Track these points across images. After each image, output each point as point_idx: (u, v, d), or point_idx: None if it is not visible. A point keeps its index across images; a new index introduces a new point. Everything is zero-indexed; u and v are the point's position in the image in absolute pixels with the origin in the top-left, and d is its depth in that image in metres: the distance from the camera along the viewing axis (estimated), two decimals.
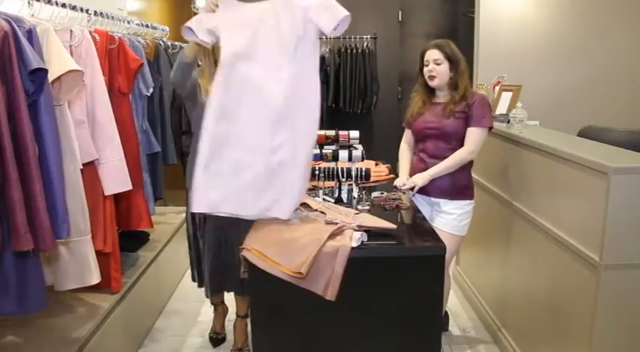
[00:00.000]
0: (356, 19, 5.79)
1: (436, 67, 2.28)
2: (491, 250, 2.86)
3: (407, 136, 2.56)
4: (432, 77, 2.30)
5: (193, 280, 2.66)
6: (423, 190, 2.39)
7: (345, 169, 2.09)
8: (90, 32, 2.15)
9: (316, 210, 1.86)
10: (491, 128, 2.34)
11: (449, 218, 2.37)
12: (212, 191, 1.74)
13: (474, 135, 2.28)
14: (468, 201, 2.38)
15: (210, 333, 2.79)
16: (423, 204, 2.42)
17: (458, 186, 2.34)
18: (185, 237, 2.65)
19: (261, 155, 1.71)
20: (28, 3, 2.02)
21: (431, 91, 2.39)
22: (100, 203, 2.23)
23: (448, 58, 2.26)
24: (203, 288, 2.58)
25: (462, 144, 2.31)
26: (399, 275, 1.70)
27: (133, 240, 2.94)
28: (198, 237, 2.50)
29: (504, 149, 2.62)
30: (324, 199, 2.09)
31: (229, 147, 1.73)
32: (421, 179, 2.29)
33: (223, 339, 2.76)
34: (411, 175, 2.47)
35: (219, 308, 2.76)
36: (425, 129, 2.37)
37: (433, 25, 5.55)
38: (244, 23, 1.75)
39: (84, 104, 2.09)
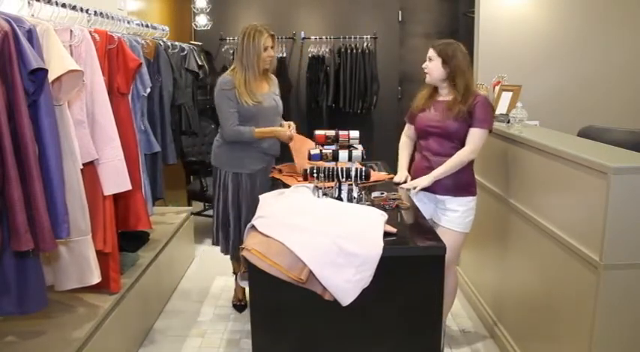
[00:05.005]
0: (356, 19, 5.78)
1: (428, 63, 2.36)
2: (492, 250, 2.86)
3: (408, 130, 2.61)
4: (425, 73, 2.39)
5: (216, 243, 2.93)
6: (428, 188, 2.41)
7: (345, 169, 2.09)
8: (90, 32, 2.15)
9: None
10: (490, 130, 2.37)
11: (454, 215, 2.38)
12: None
13: (475, 136, 2.30)
14: (471, 198, 2.40)
15: (233, 301, 3.16)
16: (426, 202, 2.44)
17: (461, 183, 2.36)
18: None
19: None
20: (28, 3, 2.02)
21: (436, 88, 2.43)
22: (100, 203, 2.22)
23: (440, 55, 2.31)
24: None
25: (463, 142, 2.33)
26: (399, 275, 1.70)
27: (133, 240, 2.93)
28: (229, 210, 2.82)
29: (504, 149, 2.62)
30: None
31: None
32: (425, 181, 2.33)
33: (245, 306, 3.08)
34: (412, 173, 2.49)
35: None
36: (428, 128, 2.40)
37: (433, 25, 5.55)
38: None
39: (84, 104, 2.09)
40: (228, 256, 2.99)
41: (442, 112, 2.34)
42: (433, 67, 2.34)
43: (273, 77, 2.90)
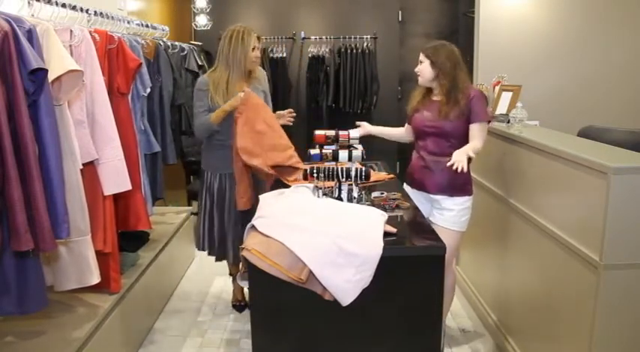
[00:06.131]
0: (356, 19, 5.77)
1: (419, 66, 2.41)
2: (492, 250, 2.86)
3: (406, 128, 2.64)
4: (418, 76, 2.44)
5: (201, 249, 2.92)
6: (423, 186, 2.43)
7: (345, 169, 2.09)
8: (90, 32, 2.15)
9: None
10: (489, 121, 2.40)
11: (448, 214, 2.39)
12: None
13: (480, 131, 2.31)
14: (467, 197, 2.40)
15: (232, 302, 3.16)
16: (423, 201, 2.45)
17: (457, 183, 2.36)
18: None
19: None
20: (28, 3, 2.02)
21: (429, 89, 2.45)
22: (100, 203, 2.22)
23: (428, 58, 2.36)
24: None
25: (461, 142, 2.32)
26: (399, 275, 1.70)
27: (133, 240, 2.93)
28: (214, 211, 2.81)
29: (504, 149, 2.62)
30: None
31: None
32: (464, 154, 2.18)
33: (245, 306, 3.09)
34: (409, 170, 2.54)
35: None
36: (424, 128, 2.41)
37: (433, 25, 5.55)
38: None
39: (84, 104, 2.09)
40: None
41: (436, 112, 2.36)
42: (423, 69, 2.38)
43: (260, 71, 2.87)
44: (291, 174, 2.52)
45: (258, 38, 2.74)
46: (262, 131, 2.50)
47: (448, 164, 2.16)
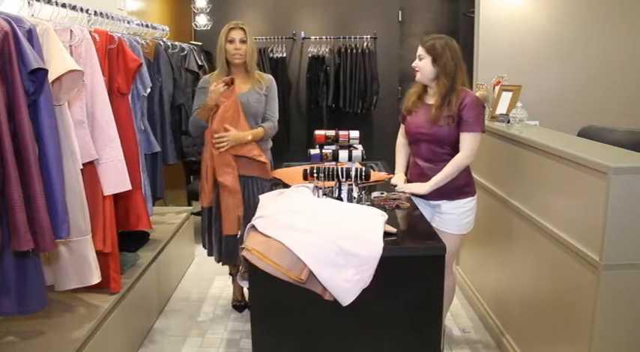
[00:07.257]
0: (356, 19, 5.76)
1: (418, 61, 2.30)
2: (492, 250, 2.86)
3: (403, 131, 2.56)
4: (415, 71, 2.32)
5: (204, 247, 2.94)
6: (422, 195, 2.38)
7: (345, 169, 2.09)
8: (90, 32, 2.15)
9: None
10: (483, 131, 2.30)
11: (449, 218, 2.35)
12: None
13: (468, 141, 2.24)
14: (470, 198, 2.35)
15: (233, 302, 3.16)
16: (423, 205, 2.40)
17: (456, 186, 2.32)
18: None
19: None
20: (28, 3, 2.02)
21: (425, 88, 2.36)
22: (100, 203, 2.22)
23: (429, 53, 2.24)
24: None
25: (454, 148, 2.28)
26: (399, 275, 1.70)
27: (133, 240, 2.93)
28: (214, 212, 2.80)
29: (504, 149, 2.62)
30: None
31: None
32: (421, 189, 2.30)
33: (245, 306, 3.08)
34: (408, 179, 2.48)
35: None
36: (417, 134, 2.35)
37: (433, 25, 5.55)
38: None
39: (84, 104, 2.09)
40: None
41: (429, 117, 2.27)
42: (423, 66, 2.26)
43: (266, 76, 2.82)
44: (263, 173, 2.73)
45: (244, 30, 2.66)
46: (233, 121, 2.62)
47: (399, 189, 2.35)
